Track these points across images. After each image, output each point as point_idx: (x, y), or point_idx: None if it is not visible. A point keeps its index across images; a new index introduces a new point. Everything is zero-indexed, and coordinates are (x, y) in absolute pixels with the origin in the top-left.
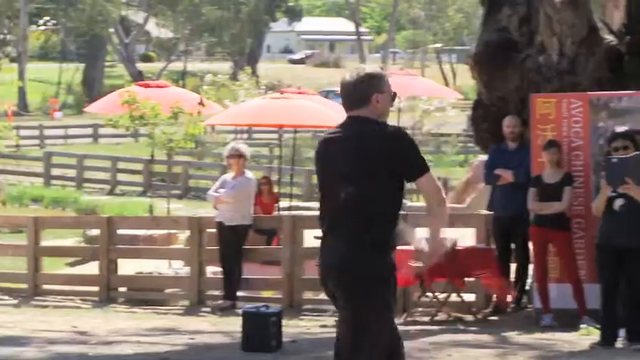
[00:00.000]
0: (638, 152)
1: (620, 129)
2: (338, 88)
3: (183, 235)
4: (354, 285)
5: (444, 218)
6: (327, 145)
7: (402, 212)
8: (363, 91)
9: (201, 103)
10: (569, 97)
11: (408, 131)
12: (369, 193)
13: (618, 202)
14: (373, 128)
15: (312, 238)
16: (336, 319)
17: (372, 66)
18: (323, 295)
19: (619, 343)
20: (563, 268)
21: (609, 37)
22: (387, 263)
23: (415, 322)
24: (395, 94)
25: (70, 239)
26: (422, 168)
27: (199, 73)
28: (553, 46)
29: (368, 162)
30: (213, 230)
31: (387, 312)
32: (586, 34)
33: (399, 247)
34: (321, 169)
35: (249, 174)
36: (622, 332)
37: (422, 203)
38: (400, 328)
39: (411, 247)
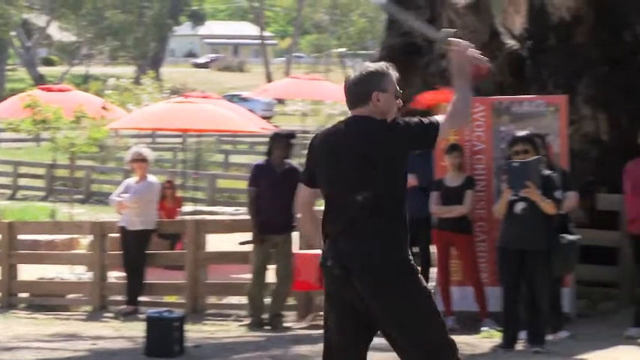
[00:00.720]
0: (538, 156)
1: (520, 133)
2: (242, 92)
3: (86, 239)
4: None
5: (459, 108)
6: (325, 143)
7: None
8: (363, 89)
9: (104, 108)
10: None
11: (313, 135)
12: (385, 193)
13: (519, 206)
14: (374, 124)
15: (215, 242)
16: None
17: (377, 64)
18: (226, 300)
19: (520, 345)
20: (465, 271)
21: (511, 42)
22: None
23: (319, 326)
24: (401, 93)
25: None
26: (432, 126)
27: (102, 77)
28: None
29: (375, 160)
30: (116, 235)
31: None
32: (488, 39)
33: (301, 252)
34: (321, 169)
35: (152, 178)
36: (523, 334)
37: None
38: (304, 332)
39: (314, 252)
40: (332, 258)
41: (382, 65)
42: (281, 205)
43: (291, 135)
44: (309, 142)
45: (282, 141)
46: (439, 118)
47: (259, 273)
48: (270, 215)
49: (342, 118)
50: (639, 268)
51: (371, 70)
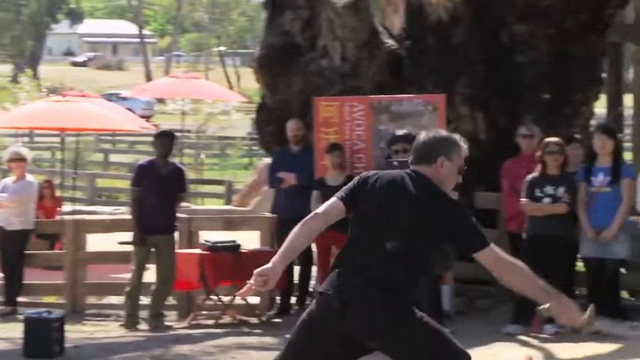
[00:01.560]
0: None
1: (400, 132)
2: (121, 91)
3: None
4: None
5: (527, 279)
6: (386, 182)
7: None
8: (432, 150)
9: None
10: (351, 101)
11: (192, 134)
12: (413, 251)
13: None
14: (432, 189)
15: (95, 242)
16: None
17: (451, 134)
18: (106, 300)
19: None
20: None
21: (390, 42)
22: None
23: (200, 326)
24: (465, 169)
25: None
26: (482, 242)
27: None
28: (335, 50)
29: (420, 221)
30: None
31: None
32: (367, 39)
33: (182, 251)
34: (368, 204)
35: (30, 178)
36: None
37: (206, 207)
38: (185, 331)
39: (195, 251)
40: (335, 288)
41: (456, 136)
42: (164, 206)
43: (171, 134)
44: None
45: (163, 140)
46: (495, 247)
47: (139, 273)
48: (153, 216)
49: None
50: None
51: (446, 136)
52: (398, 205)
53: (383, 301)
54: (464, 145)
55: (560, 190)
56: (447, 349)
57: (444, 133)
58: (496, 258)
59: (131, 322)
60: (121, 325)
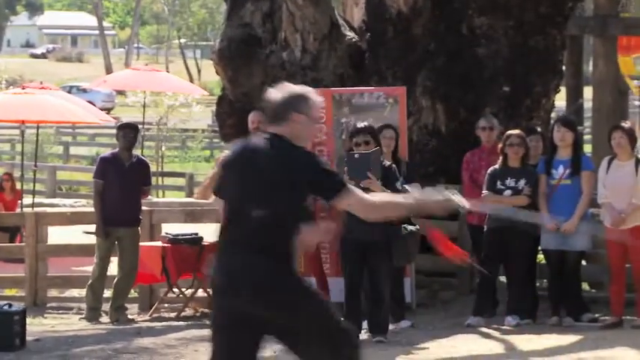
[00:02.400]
0: (378, 147)
1: (361, 124)
2: (81, 83)
3: None
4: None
5: (385, 209)
6: (239, 155)
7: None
8: (283, 108)
9: None
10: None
11: (154, 126)
12: (279, 213)
13: None
14: (285, 146)
15: (56, 235)
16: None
17: (301, 87)
18: (68, 293)
19: (362, 335)
20: (307, 262)
21: (350, 34)
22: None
23: (162, 319)
24: (321, 120)
25: None
26: (338, 186)
27: None
28: (296, 42)
29: (278, 181)
30: None
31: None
32: (328, 31)
33: (144, 244)
34: (230, 179)
35: None
36: (365, 324)
37: (167, 199)
38: (147, 324)
39: (157, 244)
40: (219, 269)
41: (307, 89)
42: (128, 199)
43: (135, 127)
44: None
45: (127, 133)
46: (354, 189)
47: (102, 265)
48: (117, 208)
49: (182, 110)
50: (478, 257)
51: (295, 91)
52: (253, 172)
53: (264, 270)
54: (316, 98)
55: (521, 183)
56: (335, 323)
57: (293, 88)
58: (356, 200)
59: (93, 315)
60: (82, 318)
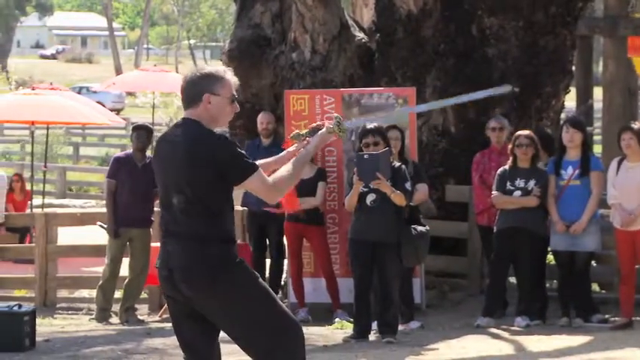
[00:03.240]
0: (387, 148)
1: (370, 125)
2: (90, 84)
3: None
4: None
5: (283, 184)
6: (159, 146)
7: None
8: (195, 90)
9: None
10: (321, 94)
11: (163, 127)
12: (197, 199)
13: (370, 198)
14: (198, 131)
15: (65, 235)
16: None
17: (214, 67)
18: (78, 294)
19: (372, 336)
20: (317, 263)
21: (360, 35)
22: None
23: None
24: (236, 98)
25: None
26: (246, 170)
27: None
28: (305, 43)
29: (192, 168)
30: None
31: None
32: (337, 32)
33: (154, 245)
34: (156, 170)
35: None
36: (375, 325)
37: None
38: (156, 325)
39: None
40: (160, 261)
41: (219, 69)
42: (140, 199)
43: (149, 128)
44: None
45: (141, 134)
46: (262, 175)
47: (113, 266)
48: (129, 209)
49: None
50: (487, 258)
51: (206, 72)
52: (169, 160)
53: (190, 255)
54: (229, 76)
55: (531, 183)
56: (272, 312)
57: (205, 69)
58: (257, 184)
59: (102, 316)
60: (92, 319)
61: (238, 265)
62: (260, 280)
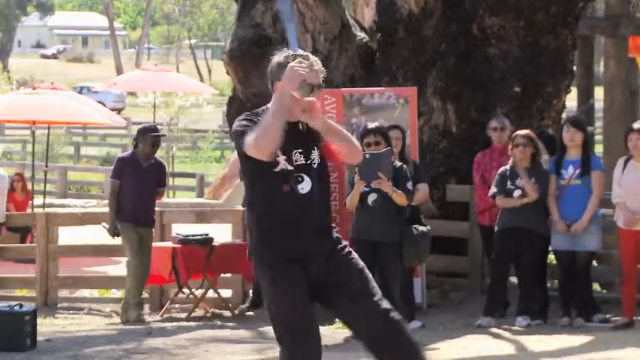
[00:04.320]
0: (389, 148)
1: (372, 125)
2: (91, 84)
3: None
4: None
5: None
6: None
7: None
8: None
9: None
10: (323, 93)
11: (164, 127)
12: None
13: (371, 197)
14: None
15: (66, 235)
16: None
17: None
18: (78, 294)
19: None
20: None
21: (361, 35)
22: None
23: (172, 319)
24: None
25: None
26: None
27: None
28: (306, 42)
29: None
30: None
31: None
32: (338, 31)
33: (154, 245)
34: None
35: (0, 171)
36: None
37: (178, 199)
38: (157, 325)
39: (166, 244)
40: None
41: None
42: (145, 199)
43: (156, 130)
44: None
45: (148, 136)
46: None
47: (135, 262)
48: (136, 208)
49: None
50: (488, 258)
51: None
52: None
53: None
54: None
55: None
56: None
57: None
58: (248, 143)
59: (137, 311)
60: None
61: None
62: None
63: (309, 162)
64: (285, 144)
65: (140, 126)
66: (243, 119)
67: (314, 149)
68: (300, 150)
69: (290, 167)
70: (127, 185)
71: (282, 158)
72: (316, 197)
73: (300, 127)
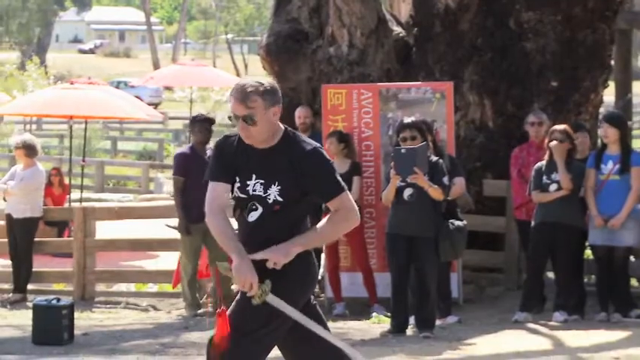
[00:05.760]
0: (425, 142)
1: (407, 119)
2: (128, 79)
3: None
4: None
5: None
6: None
7: None
8: None
9: None
10: (359, 88)
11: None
12: None
13: (407, 192)
14: None
15: (103, 229)
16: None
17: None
18: (116, 288)
19: (409, 331)
20: (353, 257)
21: (397, 29)
22: None
23: (210, 313)
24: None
25: None
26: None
27: None
28: (343, 37)
29: None
30: (3, 223)
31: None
32: (375, 26)
33: None
34: None
35: (39, 166)
36: (412, 320)
37: None
38: (194, 319)
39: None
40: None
41: None
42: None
43: (209, 119)
44: None
45: (200, 126)
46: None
47: (193, 262)
48: (201, 203)
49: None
50: (525, 253)
51: None
52: None
53: None
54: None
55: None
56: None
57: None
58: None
59: (193, 308)
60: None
61: None
62: None
63: (264, 195)
64: (246, 171)
65: (191, 117)
66: (213, 149)
67: (275, 184)
68: (261, 181)
69: (243, 195)
70: (194, 182)
71: (236, 185)
72: (265, 229)
73: (271, 158)
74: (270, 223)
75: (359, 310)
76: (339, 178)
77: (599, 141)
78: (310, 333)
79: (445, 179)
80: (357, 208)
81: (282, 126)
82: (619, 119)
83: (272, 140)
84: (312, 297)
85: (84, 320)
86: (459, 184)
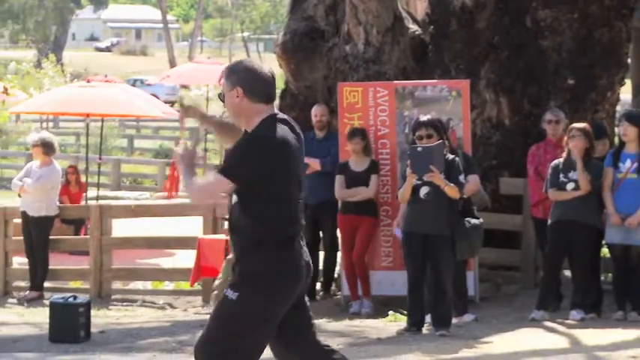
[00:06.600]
0: (441, 140)
1: (424, 117)
2: (145, 77)
3: None
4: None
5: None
6: (297, 139)
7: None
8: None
9: (5, 92)
10: (375, 86)
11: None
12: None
13: (423, 190)
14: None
15: (120, 227)
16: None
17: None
18: (132, 285)
19: (425, 329)
20: (356, 249)
21: (413, 27)
22: None
23: None
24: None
25: None
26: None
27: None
28: (359, 35)
29: None
30: (19, 220)
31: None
32: (391, 24)
33: (206, 237)
34: (291, 168)
35: (55, 164)
36: (428, 318)
37: None
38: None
39: (219, 237)
40: (305, 258)
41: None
42: None
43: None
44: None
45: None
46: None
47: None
48: None
49: None
50: (542, 251)
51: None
52: (301, 156)
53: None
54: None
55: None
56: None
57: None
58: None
59: None
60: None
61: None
62: None
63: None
64: None
65: None
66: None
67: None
68: None
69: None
70: None
71: None
72: (233, 216)
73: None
74: (236, 210)
75: (375, 308)
76: (236, 164)
77: (616, 139)
78: (297, 338)
79: (461, 177)
80: (211, 192)
81: (267, 113)
82: (639, 118)
83: (249, 125)
84: (307, 298)
85: (100, 318)
86: (473, 181)
